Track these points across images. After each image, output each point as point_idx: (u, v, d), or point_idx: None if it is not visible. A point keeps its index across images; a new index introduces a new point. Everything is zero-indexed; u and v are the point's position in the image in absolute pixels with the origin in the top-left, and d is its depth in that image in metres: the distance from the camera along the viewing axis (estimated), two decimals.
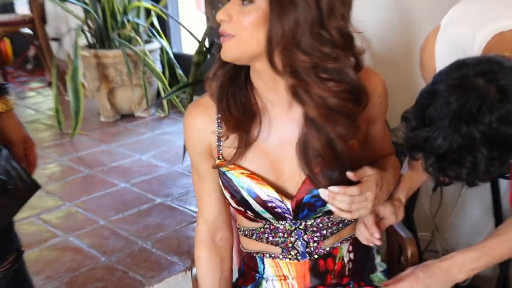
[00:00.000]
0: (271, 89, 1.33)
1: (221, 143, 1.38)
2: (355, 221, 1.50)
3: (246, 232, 1.51)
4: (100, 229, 2.40)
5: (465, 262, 1.42)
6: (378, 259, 1.59)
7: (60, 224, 2.46)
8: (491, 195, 2.21)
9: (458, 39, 1.27)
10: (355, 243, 1.51)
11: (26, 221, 2.47)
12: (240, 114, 1.34)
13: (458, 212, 2.47)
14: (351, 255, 1.52)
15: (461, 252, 1.45)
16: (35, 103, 4.37)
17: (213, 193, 1.46)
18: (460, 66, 1.13)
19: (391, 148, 1.58)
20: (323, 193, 1.29)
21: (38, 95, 4.62)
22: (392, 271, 1.62)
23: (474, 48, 1.27)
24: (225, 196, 1.43)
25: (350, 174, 1.30)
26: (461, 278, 1.43)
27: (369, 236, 1.43)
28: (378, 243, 1.44)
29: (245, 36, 1.25)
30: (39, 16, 4.16)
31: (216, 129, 1.38)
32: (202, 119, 1.39)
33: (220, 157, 1.39)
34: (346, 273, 1.51)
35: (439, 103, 1.10)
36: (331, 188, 1.28)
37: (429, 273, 1.43)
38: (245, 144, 1.35)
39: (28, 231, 2.38)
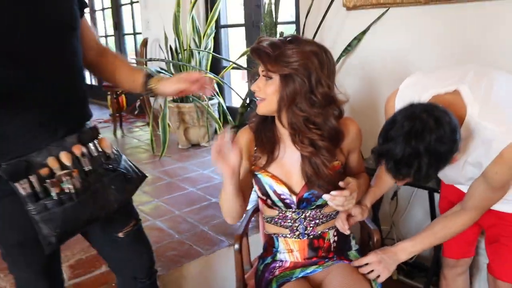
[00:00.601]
0: (284, 129, 1.40)
1: (256, 155, 1.45)
2: (336, 214, 1.51)
3: (268, 219, 1.53)
4: (176, 217, 2.37)
5: (405, 248, 1.44)
6: (353, 242, 1.58)
7: (150, 213, 2.45)
8: (429, 204, 2.19)
9: (410, 97, 1.28)
10: (338, 231, 1.51)
11: None
12: (267, 143, 1.43)
13: (407, 214, 2.44)
14: (336, 238, 1.52)
15: (404, 241, 1.47)
16: (138, 135, 4.42)
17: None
18: (410, 106, 1.14)
19: (363, 169, 1.57)
20: (326, 196, 1.33)
21: (140, 130, 4.67)
22: (363, 250, 1.60)
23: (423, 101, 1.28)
24: (251, 187, 1.47)
25: (341, 183, 1.34)
26: (403, 258, 1.45)
27: (342, 226, 1.46)
28: (347, 232, 1.47)
29: (269, 100, 1.31)
30: None
31: (254, 148, 1.44)
32: (247, 139, 1.46)
33: (254, 164, 1.45)
34: (332, 250, 1.51)
35: (397, 127, 1.11)
36: (332, 192, 1.32)
37: (384, 251, 1.44)
38: (269, 160, 1.43)
39: None
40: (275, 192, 1.43)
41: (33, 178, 1.12)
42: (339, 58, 2.45)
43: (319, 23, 2.38)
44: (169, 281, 1.83)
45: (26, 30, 1.08)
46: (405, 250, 1.44)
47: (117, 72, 1.41)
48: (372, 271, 1.43)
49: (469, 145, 1.22)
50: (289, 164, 1.44)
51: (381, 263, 1.42)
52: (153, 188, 2.86)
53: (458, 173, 1.34)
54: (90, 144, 1.24)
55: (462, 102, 1.20)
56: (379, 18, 2.30)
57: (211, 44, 3.69)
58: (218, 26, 3.86)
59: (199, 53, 3.65)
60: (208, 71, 3.71)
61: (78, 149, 1.20)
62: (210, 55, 3.66)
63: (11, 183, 1.11)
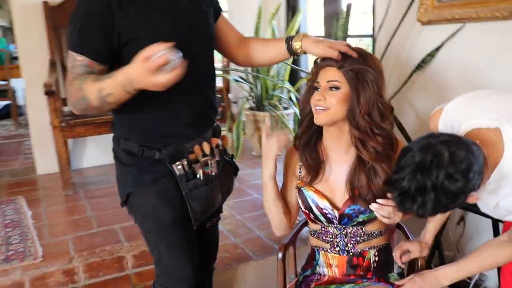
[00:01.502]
0: (335, 142, 1.44)
1: (301, 173, 1.50)
2: (381, 235, 1.50)
3: (311, 232, 1.56)
4: (236, 221, 2.46)
5: (450, 273, 1.39)
6: (396, 265, 1.55)
7: None
8: (492, 231, 2.05)
9: (451, 122, 1.24)
10: (380, 251, 1.50)
11: None
12: (312, 164, 1.47)
13: (474, 240, 2.30)
14: (376, 258, 1.50)
15: (447, 266, 1.42)
16: None
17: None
18: (430, 135, 1.11)
19: None
20: (374, 205, 1.32)
21: None
22: (407, 274, 1.56)
23: (459, 132, 1.23)
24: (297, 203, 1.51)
25: (389, 195, 1.27)
26: (446, 284, 1.39)
27: (398, 261, 1.51)
28: (401, 266, 1.52)
29: (334, 109, 1.35)
30: (226, 88, 4.44)
31: (299, 165, 1.49)
32: (293, 157, 1.53)
33: (299, 180, 1.50)
34: (371, 269, 1.49)
35: (408, 156, 1.09)
36: (379, 200, 1.31)
37: (423, 278, 1.40)
38: (313, 179, 1.46)
39: None
40: (317, 206, 1.46)
41: (184, 161, 1.34)
42: (411, 74, 2.39)
43: (390, 37, 2.35)
44: (217, 281, 1.91)
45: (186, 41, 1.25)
46: (448, 276, 1.39)
47: (255, 50, 1.54)
48: None
49: (501, 188, 1.16)
50: (333, 179, 1.46)
51: None
52: None
53: (490, 211, 1.27)
54: (218, 139, 1.47)
55: (502, 143, 1.13)
56: (454, 34, 2.21)
57: None
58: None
59: (277, 63, 3.71)
60: (285, 81, 3.78)
61: (215, 141, 1.45)
62: (288, 66, 3.72)
63: (168, 165, 1.33)
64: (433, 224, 1.57)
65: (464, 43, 2.18)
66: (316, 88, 1.38)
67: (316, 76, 1.40)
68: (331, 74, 1.35)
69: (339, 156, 1.45)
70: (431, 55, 2.32)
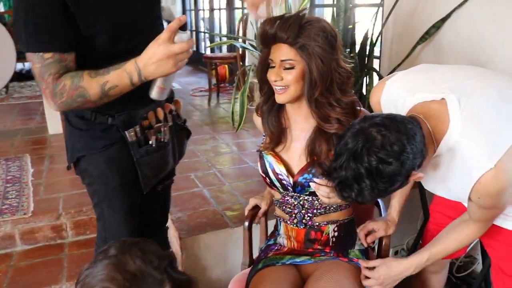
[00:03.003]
0: (297, 113, 1.42)
1: (264, 138, 1.51)
2: (340, 210, 1.49)
3: (275, 202, 1.57)
4: (223, 188, 2.47)
5: (419, 263, 1.38)
6: (359, 241, 1.54)
7: (202, 181, 2.58)
8: None
9: (395, 97, 1.19)
10: (340, 226, 1.49)
11: (182, 176, 2.61)
12: (274, 130, 1.46)
13: None
14: (336, 233, 1.49)
15: (416, 256, 1.39)
16: (227, 107, 4.54)
17: None
18: (362, 119, 1.08)
19: None
20: (312, 184, 1.34)
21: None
22: (367, 252, 1.56)
23: (404, 107, 1.19)
24: None
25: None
26: (414, 273, 1.39)
27: (364, 242, 1.52)
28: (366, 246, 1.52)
29: (293, 87, 1.33)
30: (240, 56, 4.42)
31: (263, 133, 1.51)
32: (259, 124, 1.53)
33: (262, 144, 1.51)
34: (330, 244, 1.49)
35: (342, 144, 1.06)
36: (316, 179, 1.33)
37: (389, 272, 1.40)
38: (276, 144, 1.47)
39: (183, 183, 2.54)
40: (273, 171, 1.46)
41: (137, 128, 1.36)
42: (414, 46, 2.29)
43: (392, 7, 2.25)
44: (189, 245, 1.96)
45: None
46: (418, 266, 1.37)
47: None
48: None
49: (447, 163, 1.12)
50: (294, 147, 1.46)
51: (380, 277, 1.37)
52: (215, 158, 2.99)
53: (441, 187, 1.22)
54: (171, 104, 1.48)
55: (447, 115, 1.08)
56: (461, 4, 2.09)
57: None
58: (312, 5, 3.80)
59: None
60: None
61: (168, 107, 1.45)
62: None
63: (121, 131, 1.33)
64: (397, 199, 1.54)
65: (471, 13, 2.07)
66: (271, 66, 1.35)
67: (269, 52, 1.35)
68: (284, 52, 1.30)
69: (301, 125, 1.43)
70: (436, 26, 2.22)
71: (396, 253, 2.43)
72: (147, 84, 1.35)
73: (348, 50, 2.41)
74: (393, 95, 1.20)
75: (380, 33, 2.51)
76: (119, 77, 1.15)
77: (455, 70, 1.28)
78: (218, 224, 2.06)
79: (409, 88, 1.19)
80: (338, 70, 1.32)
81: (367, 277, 1.40)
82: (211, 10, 6.99)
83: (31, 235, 2.17)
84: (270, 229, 1.69)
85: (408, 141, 1.02)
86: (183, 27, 1.13)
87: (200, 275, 1.99)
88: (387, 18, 2.31)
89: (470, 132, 1.06)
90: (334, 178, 1.08)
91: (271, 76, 1.34)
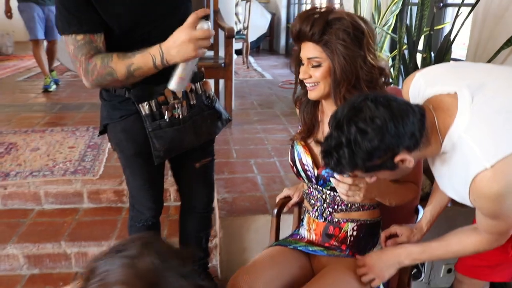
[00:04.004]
0: (330, 108, 1.42)
1: (299, 128, 1.53)
2: (363, 210, 1.47)
3: (304, 193, 1.59)
4: (277, 177, 2.49)
5: (411, 253, 1.34)
6: (379, 246, 1.51)
7: (259, 167, 2.64)
8: None
9: (418, 88, 1.16)
10: (361, 226, 1.48)
11: (242, 161, 2.72)
12: (307, 121, 1.50)
13: None
14: (354, 233, 1.48)
15: (412, 245, 1.36)
16: None
17: None
18: (363, 94, 1.11)
19: (414, 179, 1.48)
20: (332, 179, 1.34)
21: None
22: None
23: (422, 98, 1.15)
24: None
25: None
26: (406, 263, 1.35)
27: (383, 244, 1.48)
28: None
29: (322, 83, 1.35)
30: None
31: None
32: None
33: (296, 133, 1.53)
34: (347, 243, 1.48)
35: (334, 113, 1.10)
36: (336, 175, 1.31)
37: (380, 255, 1.37)
38: (307, 135, 1.50)
39: (241, 167, 2.65)
40: (300, 161, 1.48)
41: (152, 103, 1.46)
42: (498, 51, 2.13)
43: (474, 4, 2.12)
44: (226, 226, 2.05)
45: None
46: (410, 255, 1.33)
47: None
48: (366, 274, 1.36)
49: (451, 160, 1.06)
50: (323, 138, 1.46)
51: (374, 268, 1.35)
52: (280, 148, 3.01)
53: (449, 187, 1.16)
54: (197, 84, 1.56)
55: (456, 109, 1.04)
56: None
57: (392, 21, 3.52)
58: (404, 3, 3.63)
59: (374, 29, 3.52)
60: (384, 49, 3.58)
61: (188, 85, 1.52)
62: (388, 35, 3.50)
63: (136, 104, 1.45)
64: (430, 208, 1.47)
65: None
66: (302, 63, 1.37)
67: (299, 50, 1.37)
68: (310, 50, 1.31)
69: None
70: None
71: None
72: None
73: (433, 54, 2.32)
74: (417, 86, 1.18)
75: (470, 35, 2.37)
76: (143, 59, 1.28)
77: (488, 69, 1.20)
78: (259, 210, 2.11)
79: (431, 80, 1.16)
80: (365, 67, 1.30)
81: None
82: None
83: (97, 195, 2.43)
84: None
85: (393, 118, 1.01)
86: (206, 17, 1.22)
87: (233, 256, 2.07)
88: (467, 15, 2.16)
89: (475, 130, 1.01)
90: (322, 147, 1.11)
91: (300, 74, 1.37)
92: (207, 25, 1.24)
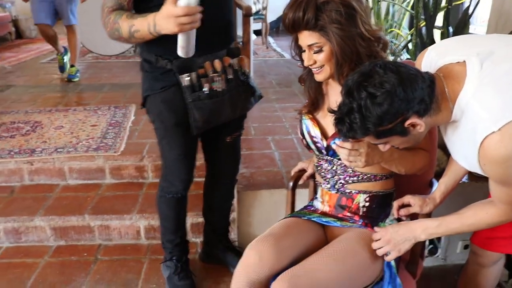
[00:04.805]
0: (335, 82, 1.44)
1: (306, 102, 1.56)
2: (375, 180, 1.50)
3: (315, 167, 1.62)
4: (295, 154, 2.53)
5: (427, 227, 1.35)
6: (391, 216, 1.53)
7: (277, 144, 2.68)
8: None
9: (431, 60, 1.18)
10: (373, 198, 1.51)
11: (260, 138, 2.76)
12: (313, 94, 1.53)
13: None
14: (367, 204, 1.51)
15: (427, 219, 1.38)
16: None
17: None
18: (376, 61, 1.13)
19: (427, 146, 1.48)
20: (334, 145, 1.39)
21: None
22: None
23: (433, 69, 1.17)
24: None
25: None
26: (422, 238, 1.37)
27: (395, 213, 1.51)
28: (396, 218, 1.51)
29: (327, 66, 1.38)
30: None
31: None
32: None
33: (303, 107, 1.57)
34: (360, 214, 1.51)
35: (345, 81, 1.13)
36: (337, 141, 1.37)
37: (397, 229, 1.38)
38: (314, 108, 1.53)
39: (258, 144, 2.69)
40: (309, 133, 1.52)
41: (192, 75, 1.54)
42: None
43: None
44: (243, 199, 2.10)
45: None
46: (426, 230, 1.35)
47: None
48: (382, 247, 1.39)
49: (461, 127, 1.08)
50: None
51: (390, 242, 1.37)
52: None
53: (460, 155, 1.17)
54: (234, 59, 1.64)
55: (465, 76, 1.05)
56: None
57: None
58: None
59: (393, 6, 3.50)
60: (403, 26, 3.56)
61: (227, 60, 1.61)
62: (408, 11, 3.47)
63: (177, 76, 1.53)
64: (445, 179, 1.49)
65: None
66: (303, 50, 1.39)
67: (297, 38, 1.38)
68: (307, 38, 1.33)
69: (337, 91, 1.45)
70: None
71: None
72: (208, 35, 1.50)
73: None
74: (429, 59, 1.19)
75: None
76: (142, 24, 1.37)
77: (498, 38, 1.21)
78: (276, 185, 2.16)
79: (442, 52, 1.17)
80: (363, 43, 1.32)
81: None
82: None
83: (118, 171, 2.50)
84: None
85: (401, 83, 1.04)
86: None
87: (251, 229, 2.13)
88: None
89: (483, 95, 1.03)
90: (335, 114, 1.15)
91: (305, 61, 1.40)
92: (194, 2, 1.27)
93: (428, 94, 1.06)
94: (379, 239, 1.40)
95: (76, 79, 4.26)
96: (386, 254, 1.39)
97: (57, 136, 2.81)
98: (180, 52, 1.39)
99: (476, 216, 1.26)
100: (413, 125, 1.10)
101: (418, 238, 1.36)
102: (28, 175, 2.51)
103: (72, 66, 4.28)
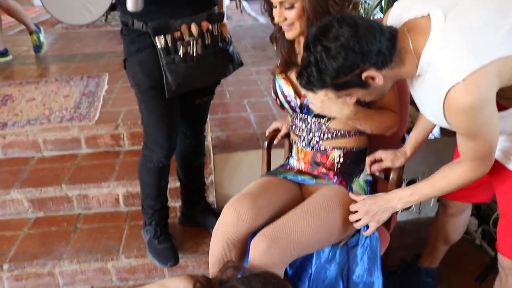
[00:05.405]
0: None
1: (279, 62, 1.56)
2: (349, 136, 1.51)
3: (290, 126, 1.62)
4: (270, 115, 2.52)
5: (402, 197, 1.37)
6: (365, 172, 1.55)
7: (253, 107, 2.66)
8: None
9: (396, 15, 1.17)
10: (347, 154, 1.52)
11: (235, 101, 2.74)
12: (285, 54, 1.53)
13: None
14: (341, 160, 1.53)
15: (401, 189, 1.40)
16: None
17: None
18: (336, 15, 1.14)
19: (394, 108, 1.49)
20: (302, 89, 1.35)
21: None
22: (374, 184, 1.57)
23: (400, 22, 1.16)
24: None
25: None
26: (399, 207, 1.39)
27: (368, 169, 1.54)
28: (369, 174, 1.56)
29: (297, 23, 1.37)
30: None
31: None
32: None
33: (276, 67, 1.57)
34: (334, 170, 1.53)
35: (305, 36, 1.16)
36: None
37: (374, 200, 1.40)
38: (287, 67, 1.53)
39: (234, 107, 2.68)
40: (282, 93, 1.51)
41: (168, 37, 1.51)
42: None
43: None
44: (219, 162, 2.10)
45: None
46: (402, 199, 1.37)
47: None
48: (360, 220, 1.41)
49: (428, 81, 1.08)
50: None
51: (368, 213, 1.39)
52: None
53: (427, 109, 1.18)
54: (215, 25, 1.61)
55: (430, 28, 1.04)
56: None
57: None
58: None
59: None
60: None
61: (205, 25, 1.57)
62: None
63: (152, 38, 1.51)
64: (415, 132, 1.51)
65: None
66: (274, 6, 1.37)
67: None
68: None
69: None
70: None
71: None
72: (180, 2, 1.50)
73: None
74: (394, 15, 1.18)
75: None
76: None
77: None
78: (252, 146, 2.16)
79: (407, 6, 1.16)
80: (335, 6, 1.31)
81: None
82: None
83: (94, 140, 2.46)
84: None
85: (356, 36, 1.05)
86: None
87: (228, 191, 2.14)
88: None
89: (446, 47, 1.02)
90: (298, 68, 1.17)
91: (275, 17, 1.38)
92: None
93: (388, 47, 1.06)
94: (356, 212, 1.41)
95: (43, 51, 4.11)
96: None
97: (29, 109, 2.73)
98: (129, 5, 1.38)
99: (445, 179, 1.28)
100: (372, 78, 1.11)
101: (395, 208, 1.38)
102: (1, 149, 2.45)
103: (30, 33, 4.05)
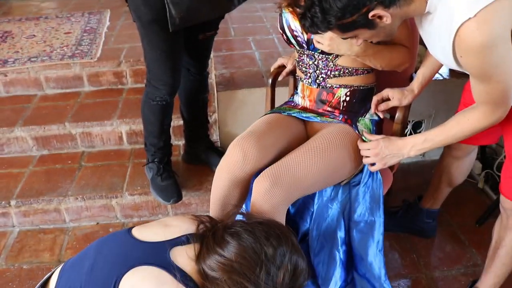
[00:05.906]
0: None
1: None
2: (356, 74, 1.44)
3: (296, 62, 1.55)
4: (275, 52, 2.43)
5: (416, 143, 1.33)
6: (372, 110, 1.50)
7: (258, 44, 2.57)
8: None
9: None
10: (353, 92, 1.47)
11: (240, 38, 2.64)
12: None
13: None
14: (347, 98, 1.47)
15: (414, 136, 1.35)
16: None
17: None
18: None
19: (407, 43, 1.42)
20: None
21: None
22: (380, 124, 1.52)
23: None
24: None
25: None
26: (411, 154, 1.35)
27: (373, 106, 1.48)
28: (375, 113, 1.49)
29: None
30: None
31: None
32: None
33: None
34: (340, 108, 1.48)
35: None
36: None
37: (387, 144, 1.36)
38: (295, 1, 1.42)
39: (239, 44, 2.58)
40: (289, 27, 1.44)
41: None
42: None
43: None
44: (223, 99, 2.05)
45: None
46: (414, 147, 1.33)
47: None
48: (368, 157, 1.38)
49: (438, 18, 1.02)
50: None
51: (378, 155, 1.35)
52: None
53: (438, 49, 1.11)
54: None
55: None
56: None
57: None
58: None
59: None
60: None
61: None
62: None
63: None
64: (423, 70, 1.44)
65: None
66: None
67: None
68: None
69: None
70: None
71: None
72: None
73: None
74: None
75: None
76: None
77: None
78: (256, 84, 2.10)
79: None
80: None
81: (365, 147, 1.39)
82: None
83: (96, 78, 2.41)
84: None
85: None
86: None
87: (232, 129, 2.10)
88: None
89: None
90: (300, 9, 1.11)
91: None
92: None
93: None
94: (368, 149, 1.38)
95: None
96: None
97: (30, 46, 2.66)
98: None
99: (459, 125, 1.23)
100: (380, 17, 1.03)
101: (407, 154, 1.35)
102: (3, 87, 2.41)
103: None
